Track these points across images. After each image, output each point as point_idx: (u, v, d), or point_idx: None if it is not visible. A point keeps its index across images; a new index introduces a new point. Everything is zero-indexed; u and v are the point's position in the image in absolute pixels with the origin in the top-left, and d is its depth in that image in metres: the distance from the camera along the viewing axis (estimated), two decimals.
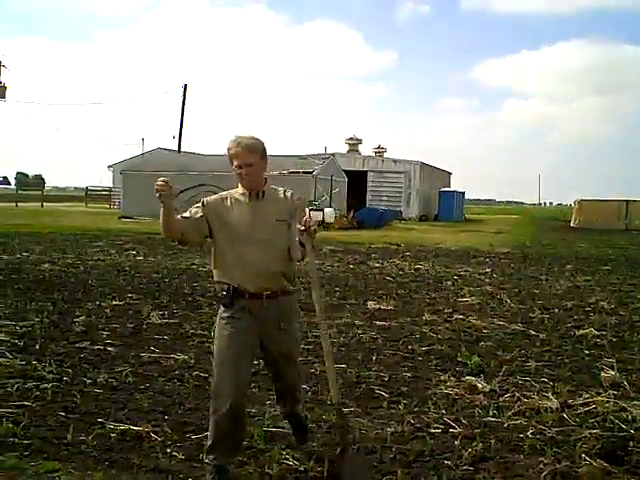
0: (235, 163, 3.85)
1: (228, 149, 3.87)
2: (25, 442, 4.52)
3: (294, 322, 4.11)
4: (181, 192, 35.12)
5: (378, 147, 52.20)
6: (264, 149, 3.90)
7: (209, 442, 3.94)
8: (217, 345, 3.92)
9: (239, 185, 3.96)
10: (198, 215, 3.89)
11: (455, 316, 9.41)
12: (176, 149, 43.90)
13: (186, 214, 3.89)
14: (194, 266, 14.32)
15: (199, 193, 31.86)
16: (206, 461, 3.96)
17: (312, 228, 3.88)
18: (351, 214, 32.87)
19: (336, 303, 10.35)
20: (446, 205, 46.16)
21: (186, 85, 44.55)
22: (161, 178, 3.72)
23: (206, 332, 7.75)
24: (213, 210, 3.91)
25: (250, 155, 3.82)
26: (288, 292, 4.01)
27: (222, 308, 3.96)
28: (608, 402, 5.57)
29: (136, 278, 12.29)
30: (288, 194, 4.04)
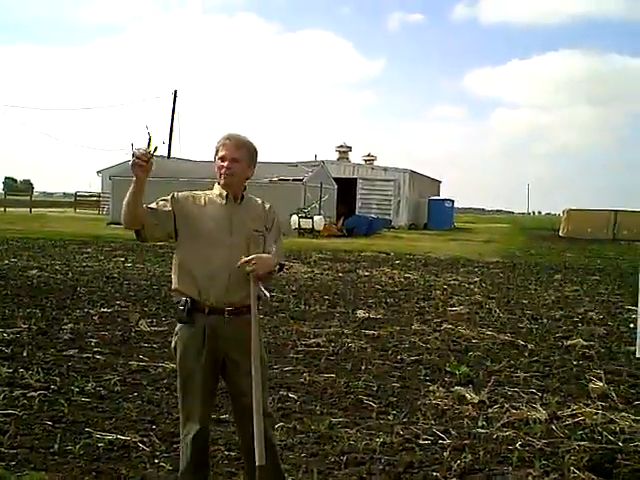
0: (219, 154, 3.54)
1: (217, 142, 3.61)
2: (11, 452, 4.48)
3: (261, 345, 3.61)
4: None
5: (368, 155, 52.31)
6: (254, 152, 3.64)
7: (181, 468, 3.65)
8: (179, 368, 3.60)
9: (215, 186, 3.66)
10: (166, 209, 3.52)
11: (444, 325, 9.42)
12: (166, 155, 43.86)
13: (152, 205, 3.52)
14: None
15: None
16: None
17: (256, 272, 3.43)
18: (340, 222, 32.88)
19: (325, 312, 10.34)
20: (435, 214, 46.29)
21: (176, 91, 44.68)
22: (142, 147, 3.31)
23: None
24: (183, 206, 3.55)
25: (238, 150, 3.54)
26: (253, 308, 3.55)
27: (178, 325, 3.60)
28: (596, 414, 5.59)
29: (125, 285, 12.24)
30: (267, 205, 3.71)
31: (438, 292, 13.12)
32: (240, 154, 3.55)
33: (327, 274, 15.48)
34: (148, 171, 3.30)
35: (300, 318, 9.60)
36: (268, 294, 3.62)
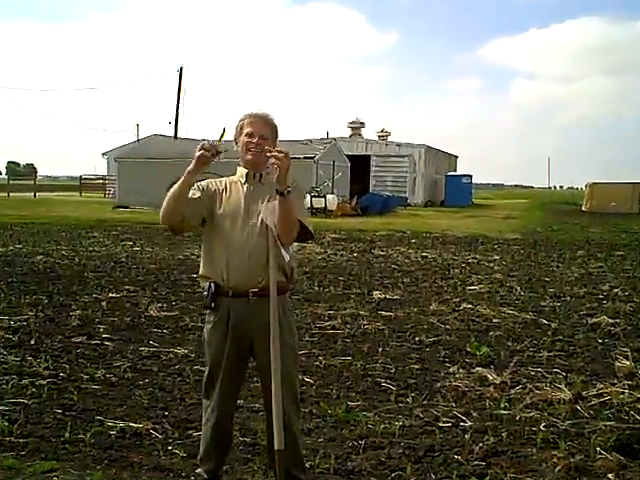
0: (247, 131, 3.55)
1: (240, 120, 3.62)
2: (22, 441, 4.53)
3: (287, 329, 3.59)
4: (176, 181, 35.13)
5: (382, 131, 52.08)
6: (277, 129, 3.66)
7: (200, 454, 3.78)
8: (207, 355, 3.68)
9: (238, 169, 3.73)
10: (196, 196, 3.57)
11: (463, 305, 9.42)
12: (172, 135, 43.85)
13: None
14: (193, 256, 14.32)
15: (197, 180, 32.07)
16: (198, 471, 3.81)
17: (280, 163, 3.31)
18: (354, 200, 32.85)
19: (340, 293, 10.36)
20: (453, 190, 46.11)
21: (182, 68, 44.44)
22: (212, 140, 3.42)
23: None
24: (208, 191, 3.62)
25: (266, 127, 3.57)
26: (282, 289, 3.55)
27: (207, 311, 3.65)
28: (623, 393, 5.57)
29: (133, 270, 12.30)
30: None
31: (456, 271, 13.11)
32: (267, 132, 3.58)
33: (341, 255, 15.51)
34: (205, 166, 3.39)
35: (314, 300, 9.62)
36: (288, 257, 3.54)
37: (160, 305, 8.99)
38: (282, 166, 3.30)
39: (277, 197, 3.36)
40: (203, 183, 3.64)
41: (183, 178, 3.40)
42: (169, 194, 3.43)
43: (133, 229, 21.24)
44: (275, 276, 3.47)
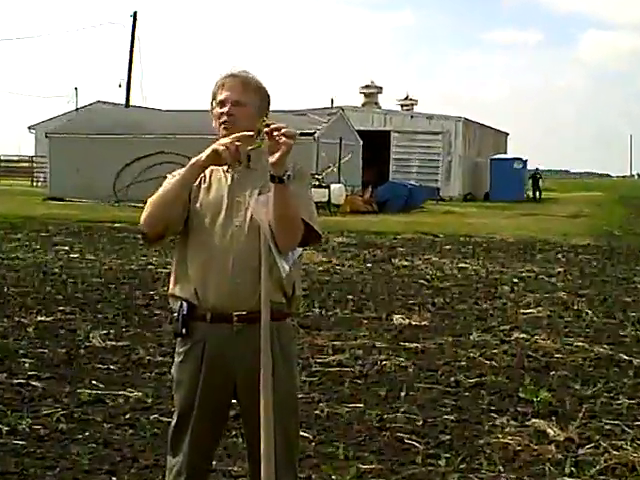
0: (219, 98, 3.57)
1: (215, 83, 3.65)
2: None
3: (285, 367, 3.58)
4: (130, 164, 35.37)
5: (405, 98, 52.37)
6: (267, 97, 3.66)
7: None
8: (175, 397, 3.68)
9: None
10: None
11: (515, 335, 9.43)
12: (123, 103, 43.95)
13: None
14: (151, 266, 14.32)
15: (155, 165, 32.15)
16: None
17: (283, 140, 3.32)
18: (368, 192, 32.90)
19: (349, 317, 10.36)
20: (501, 179, 46.13)
21: (136, 13, 44.61)
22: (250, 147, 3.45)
23: (168, 358, 7.74)
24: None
25: (245, 92, 3.57)
26: (279, 313, 3.54)
27: (176, 340, 3.65)
28: None
29: (70, 284, 12.30)
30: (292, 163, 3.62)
31: (506, 288, 13.11)
32: (247, 97, 3.57)
33: (351, 265, 15.53)
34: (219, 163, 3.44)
35: (314, 327, 9.61)
36: (287, 267, 3.49)
37: (106, 332, 8.98)
38: (285, 146, 3.30)
39: (272, 186, 3.36)
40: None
41: (183, 174, 3.45)
42: (160, 194, 3.47)
43: (70, 229, 21.23)
44: (269, 294, 3.46)
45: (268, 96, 3.66)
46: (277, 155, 3.29)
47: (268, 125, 3.34)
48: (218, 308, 3.48)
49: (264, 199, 3.44)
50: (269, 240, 3.44)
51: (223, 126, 3.54)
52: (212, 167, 3.58)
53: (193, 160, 3.42)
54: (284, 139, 3.28)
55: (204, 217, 3.54)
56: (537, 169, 51.63)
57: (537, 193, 48.97)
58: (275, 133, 3.30)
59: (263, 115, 3.57)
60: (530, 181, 49.85)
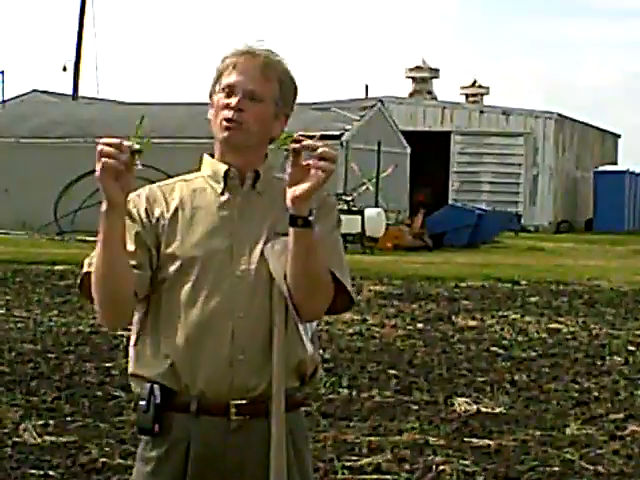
0: (227, 80, 3.49)
1: (222, 59, 3.53)
2: None
3: (303, 475, 3.57)
4: (78, 179, 34.99)
5: (472, 85, 52.51)
6: (293, 88, 3.58)
7: None
8: None
9: (205, 160, 3.60)
10: (141, 240, 3.46)
11: (631, 427, 9.40)
12: (69, 93, 44.25)
13: (129, 244, 3.44)
14: (104, 329, 14.33)
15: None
16: None
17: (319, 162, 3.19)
18: (419, 219, 32.87)
19: (391, 401, 10.35)
20: (610, 200, 46.03)
21: None
22: (126, 142, 3.21)
23: (130, 461, 7.76)
24: (149, 217, 3.50)
25: (265, 81, 3.48)
26: (292, 401, 3.51)
27: (142, 439, 3.59)
28: None
29: None
30: None
31: (617, 359, 13.06)
32: (267, 89, 3.48)
33: (394, 326, 15.52)
34: (127, 189, 3.24)
35: (342, 415, 9.60)
36: (310, 346, 3.48)
37: (42, 423, 9.00)
38: (322, 175, 3.19)
39: (290, 228, 3.28)
40: (134, 200, 3.48)
41: (102, 228, 3.24)
42: (94, 274, 3.33)
43: None
44: (283, 379, 3.41)
45: (294, 83, 3.59)
46: (305, 187, 3.18)
47: (297, 141, 3.20)
48: (209, 395, 3.41)
49: (280, 246, 3.39)
50: (288, 301, 3.38)
51: (225, 124, 3.44)
52: (193, 187, 3.54)
53: (102, 206, 3.23)
54: (321, 163, 3.17)
55: (187, 263, 3.45)
56: None
57: None
58: (309, 154, 3.18)
59: (282, 116, 3.53)
60: None
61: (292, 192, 3.20)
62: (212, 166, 3.54)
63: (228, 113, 3.43)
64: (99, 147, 3.14)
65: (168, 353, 3.43)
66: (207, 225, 3.47)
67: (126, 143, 3.19)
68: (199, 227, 3.47)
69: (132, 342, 3.57)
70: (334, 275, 3.40)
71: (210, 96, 3.54)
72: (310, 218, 3.22)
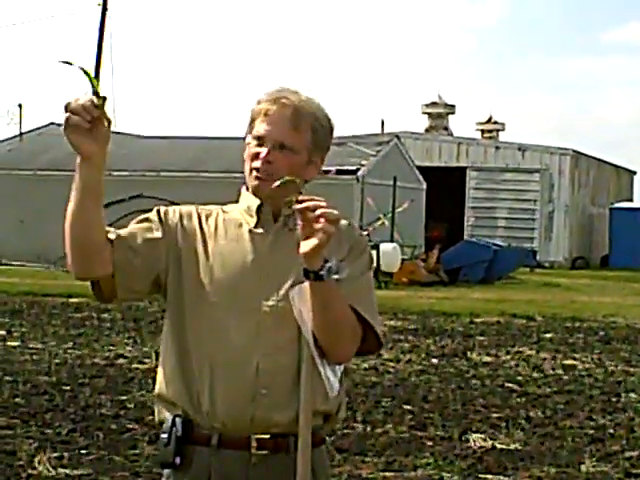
0: (258, 131, 3.51)
1: (257, 102, 3.54)
2: None
3: None
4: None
5: (488, 121, 52.61)
6: (327, 132, 3.62)
7: None
8: None
9: (243, 195, 3.62)
10: (150, 235, 3.50)
11: None
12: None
13: (124, 231, 3.50)
14: (122, 360, 14.33)
15: (130, 214, 32.08)
16: None
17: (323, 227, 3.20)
18: (435, 255, 32.87)
19: (406, 436, 10.32)
20: (626, 237, 45.99)
21: (106, 1, 45.23)
22: (87, 96, 3.23)
23: None
24: (179, 232, 3.55)
25: (296, 131, 3.49)
26: (315, 438, 3.50)
27: (164, 472, 3.61)
28: None
29: (6, 385, 12.35)
30: (342, 224, 3.54)
31: (633, 396, 13.03)
32: (298, 139, 3.49)
33: (409, 361, 15.51)
34: (102, 139, 3.28)
35: (356, 450, 9.56)
36: (337, 385, 3.47)
37: (57, 455, 8.98)
38: (323, 234, 3.19)
39: (306, 282, 3.30)
40: (176, 214, 3.56)
41: (76, 177, 3.35)
42: (66, 219, 3.38)
43: (8, 306, 21.33)
44: (310, 415, 3.41)
45: (331, 131, 3.61)
46: (311, 244, 3.21)
47: (300, 201, 3.23)
48: (230, 428, 3.42)
49: (304, 292, 3.37)
50: (312, 349, 3.38)
51: (255, 174, 3.48)
52: (230, 218, 3.56)
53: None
54: (322, 224, 3.19)
55: (215, 293, 3.47)
56: None
57: None
58: (310, 215, 3.21)
59: (317, 159, 3.56)
60: None
61: (302, 248, 3.23)
62: (247, 200, 3.57)
63: (257, 164, 3.46)
64: (70, 104, 3.21)
65: (191, 382, 3.45)
66: (238, 258, 3.50)
67: (86, 98, 3.20)
68: (229, 259, 3.50)
69: (160, 361, 3.61)
70: (366, 321, 3.42)
71: (245, 137, 3.57)
72: (322, 273, 3.24)
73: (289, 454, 3.39)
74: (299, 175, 3.44)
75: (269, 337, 3.41)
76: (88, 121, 3.20)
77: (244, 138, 3.58)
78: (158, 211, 3.54)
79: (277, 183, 3.28)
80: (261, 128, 3.47)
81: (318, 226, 3.17)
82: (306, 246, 3.21)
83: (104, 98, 3.23)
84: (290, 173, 3.40)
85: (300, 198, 3.24)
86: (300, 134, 3.47)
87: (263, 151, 3.44)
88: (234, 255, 3.50)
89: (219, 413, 3.41)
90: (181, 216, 3.55)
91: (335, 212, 3.21)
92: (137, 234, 3.47)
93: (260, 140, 3.47)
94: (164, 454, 3.45)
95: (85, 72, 3.26)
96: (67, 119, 3.21)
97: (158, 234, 3.48)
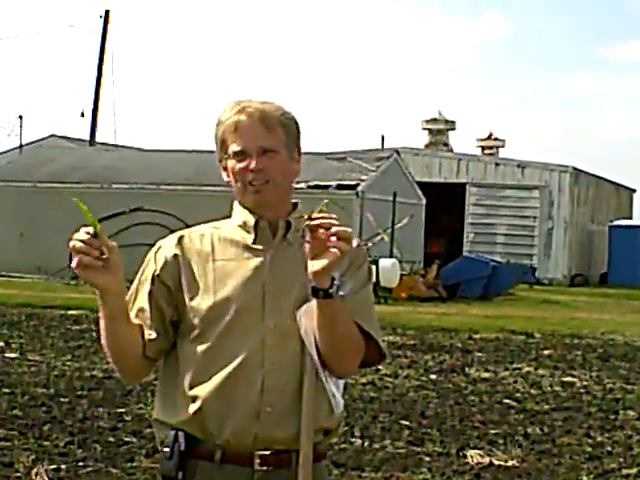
0: (232, 148, 3.51)
1: (218, 122, 3.56)
2: None
3: None
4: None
5: (488, 137, 52.77)
6: (296, 126, 3.65)
7: None
8: None
9: (235, 208, 3.61)
10: (146, 293, 3.55)
11: None
12: (86, 138, 44.37)
13: (147, 326, 3.54)
14: (116, 374, 14.31)
15: (130, 227, 32.03)
16: None
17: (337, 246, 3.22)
18: (434, 270, 32.86)
19: (404, 452, 10.31)
20: (625, 254, 45.98)
21: (108, 13, 45.26)
22: (84, 229, 3.30)
23: None
24: (176, 270, 3.55)
25: (270, 132, 3.51)
26: (317, 453, 3.52)
27: None
28: None
29: (4, 397, 12.35)
30: None
31: (631, 413, 13.00)
32: (275, 138, 3.53)
33: (407, 376, 15.50)
34: (114, 267, 3.31)
35: (354, 465, 9.56)
36: (342, 402, 3.53)
37: (55, 467, 8.98)
38: (336, 254, 3.21)
39: (314, 300, 3.32)
40: (169, 250, 3.59)
41: (100, 307, 3.41)
42: (103, 341, 3.50)
43: (6, 318, 21.31)
44: (311, 434, 3.43)
45: (292, 122, 3.62)
46: (323, 263, 3.21)
47: (312, 218, 3.22)
48: (234, 445, 3.43)
49: (310, 310, 3.39)
50: (316, 364, 3.41)
51: (253, 188, 3.47)
52: (224, 236, 3.57)
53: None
54: (335, 242, 3.20)
55: (218, 313, 3.47)
56: None
57: None
58: (322, 232, 3.21)
59: (295, 154, 3.58)
60: None
61: (312, 266, 3.24)
62: (242, 216, 3.57)
63: (250, 176, 3.47)
64: (71, 243, 3.27)
65: (196, 401, 3.46)
66: (239, 277, 3.50)
67: (86, 230, 3.29)
68: (231, 278, 3.51)
69: (159, 386, 3.64)
70: (368, 334, 3.47)
71: (220, 161, 3.58)
72: (331, 291, 3.26)
73: (291, 469, 3.41)
74: (288, 174, 3.55)
75: (274, 354, 3.43)
76: (97, 258, 3.25)
77: (219, 162, 3.59)
78: (156, 253, 3.60)
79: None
80: (238, 143, 3.49)
81: (331, 244, 3.19)
82: (317, 265, 3.23)
83: (97, 229, 3.29)
84: (281, 173, 3.49)
85: (314, 215, 3.24)
86: (274, 133, 3.52)
87: (251, 163, 3.46)
88: (235, 274, 3.51)
89: (224, 431, 3.43)
90: (172, 253, 3.57)
91: (349, 230, 3.24)
92: (152, 316, 3.52)
93: (241, 155, 3.49)
94: (167, 467, 3.46)
95: (80, 206, 3.33)
96: (78, 262, 3.24)
97: (149, 288, 3.55)
